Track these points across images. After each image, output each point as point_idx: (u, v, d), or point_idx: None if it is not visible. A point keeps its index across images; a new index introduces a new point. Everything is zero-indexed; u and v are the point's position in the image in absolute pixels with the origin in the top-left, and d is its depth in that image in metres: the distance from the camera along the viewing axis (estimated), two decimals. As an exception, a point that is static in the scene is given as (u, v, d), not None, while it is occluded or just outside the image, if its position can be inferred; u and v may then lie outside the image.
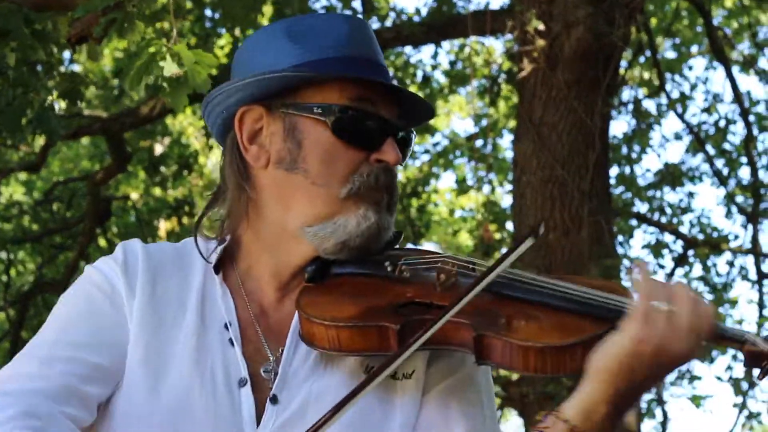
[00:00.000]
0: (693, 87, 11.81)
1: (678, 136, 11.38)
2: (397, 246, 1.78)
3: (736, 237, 11.06)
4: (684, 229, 11.18)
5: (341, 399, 1.53)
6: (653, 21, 10.12)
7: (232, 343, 1.69)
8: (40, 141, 9.09)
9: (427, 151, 13.22)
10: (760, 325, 10.09)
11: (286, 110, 1.70)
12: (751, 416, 10.20)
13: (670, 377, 11.01)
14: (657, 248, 11.08)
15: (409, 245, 7.97)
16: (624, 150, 11.15)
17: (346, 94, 1.68)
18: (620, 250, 10.14)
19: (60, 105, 9.21)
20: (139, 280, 1.71)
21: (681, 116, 10.57)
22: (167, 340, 1.68)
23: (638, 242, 18.83)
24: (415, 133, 1.81)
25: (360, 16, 10.19)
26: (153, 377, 1.64)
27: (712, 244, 10.69)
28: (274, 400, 1.64)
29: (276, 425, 1.62)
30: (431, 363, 1.70)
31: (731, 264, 11.22)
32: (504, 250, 1.49)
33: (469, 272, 1.67)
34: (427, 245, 12.72)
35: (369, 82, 1.70)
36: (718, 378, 9.92)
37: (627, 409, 1.51)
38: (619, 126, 25.62)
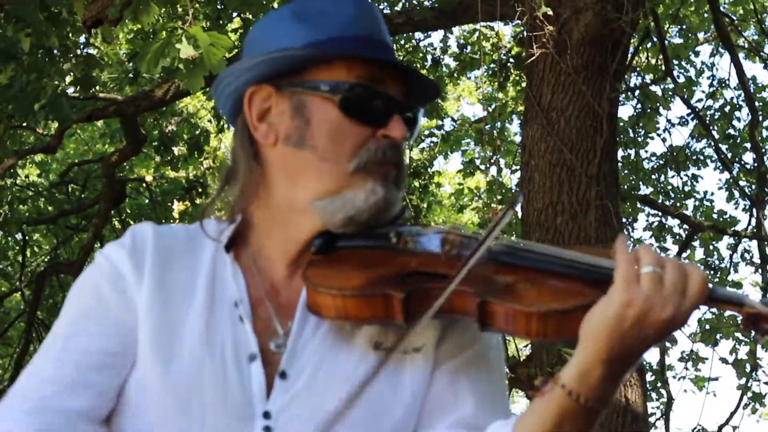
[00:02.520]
0: (699, 73, 11.89)
1: (683, 121, 11.44)
2: (402, 221, 1.79)
3: (738, 221, 11.14)
4: (687, 213, 11.25)
5: (360, 381, 1.56)
6: (660, 7, 10.18)
7: (242, 320, 1.69)
8: (55, 124, 9.20)
9: (432, 134, 13.30)
10: (764, 309, 10.14)
11: (294, 89, 1.72)
12: (755, 398, 10.29)
13: (674, 359, 11.11)
14: (659, 231, 11.15)
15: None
16: (630, 134, 11.21)
17: (354, 72, 1.70)
18: (624, 233, 10.17)
19: (75, 87, 9.33)
20: (147, 263, 1.73)
21: (687, 101, 10.62)
22: (177, 321, 1.68)
23: (642, 225, 18.91)
24: (422, 111, 1.83)
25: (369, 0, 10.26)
26: (163, 358, 1.65)
27: (719, 228, 10.76)
28: (283, 375, 1.65)
29: (285, 399, 1.63)
30: (442, 339, 1.72)
31: (734, 248, 11.31)
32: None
33: (472, 243, 1.66)
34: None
35: (376, 61, 1.72)
36: (723, 360, 10.01)
37: (624, 371, 1.49)
38: (626, 111, 25.64)
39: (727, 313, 10.02)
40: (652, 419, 9.66)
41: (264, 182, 1.76)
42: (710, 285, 1.49)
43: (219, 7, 9.57)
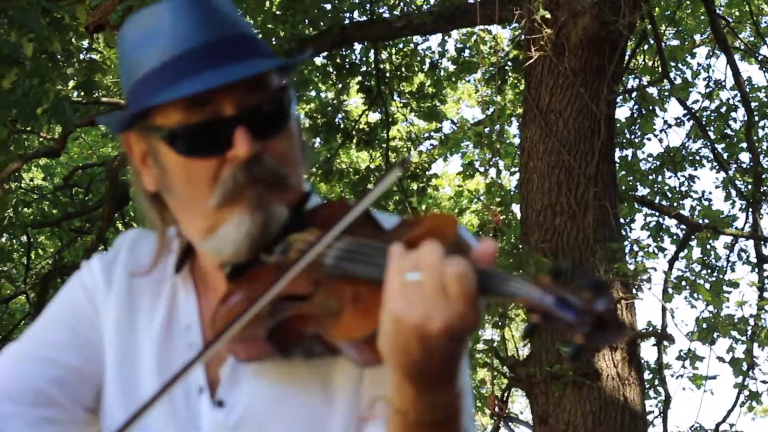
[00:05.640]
0: (695, 74, 11.98)
1: (680, 122, 11.53)
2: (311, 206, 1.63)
3: (735, 218, 11.22)
4: (684, 213, 11.33)
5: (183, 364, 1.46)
6: (657, 10, 10.27)
7: (192, 348, 1.62)
8: (59, 128, 9.27)
9: (430, 137, 13.37)
10: (760, 308, 10.25)
11: (145, 134, 1.58)
12: (752, 396, 10.36)
13: (671, 357, 11.17)
14: (657, 231, 11.24)
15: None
16: (626, 134, 11.29)
17: (180, 104, 1.51)
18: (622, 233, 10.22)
19: (79, 92, 9.41)
20: (117, 272, 1.68)
21: (683, 102, 10.70)
22: (137, 348, 1.64)
23: (639, 225, 18.95)
24: (290, 96, 1.61)
25: (368, 4, 10.35)
26: (124, 390, 1.62)
27: (716, 228, 10.84)
28: (221, 403, 1.58)
29: (226, 430, 1.56)
30: None
31: (731, 248, 11.39)
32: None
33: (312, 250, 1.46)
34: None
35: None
36: (720, 359, 10.09)
37: (440, 383, 1.34)
38: (623, 112, 25.70)
39: (724, 312, 10.13)
40: (650, 417, 9.74)
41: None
42: (483, 279, 1.29)
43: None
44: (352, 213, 1.43)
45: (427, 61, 11.66)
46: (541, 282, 1.23)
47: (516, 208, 9.79)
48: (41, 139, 10.77)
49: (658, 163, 11.56)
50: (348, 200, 1.61)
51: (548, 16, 6.93)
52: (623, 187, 10.62)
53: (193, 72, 1.50)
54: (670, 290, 9.24)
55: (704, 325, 10.06)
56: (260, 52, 1.57)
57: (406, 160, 1.42)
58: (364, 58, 11.05)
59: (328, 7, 9.60)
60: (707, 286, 10.37)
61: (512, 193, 10.34)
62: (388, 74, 11.25)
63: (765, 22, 11.92)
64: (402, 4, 10.75)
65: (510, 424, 11.92)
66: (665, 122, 11.37)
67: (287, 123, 1.59)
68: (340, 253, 1.45)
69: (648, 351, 25.67)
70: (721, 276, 11.14)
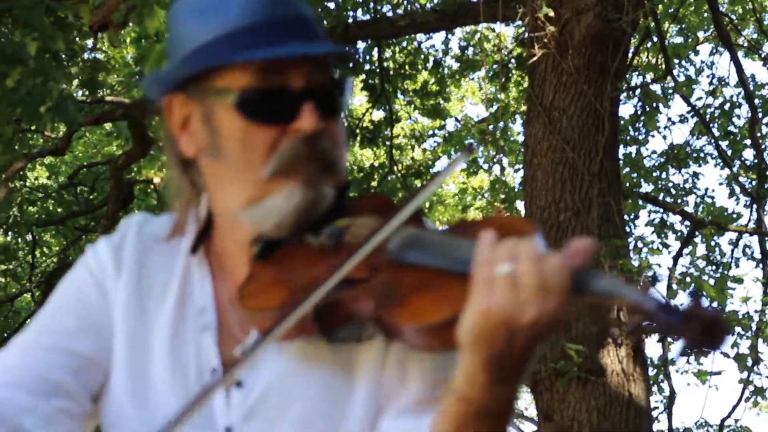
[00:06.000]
0: (699, 71, 11.99)
1: (684, 119, 11.55)
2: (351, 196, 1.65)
3: (740, 216, 11.25)
4: (688, 210, 11.36)
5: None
6: (660, 7, 10.28)
7: (206, 330, 1.60)
8: (63, 127, 9.30)
9: (433, 135, 13.41)
10: (765, 304, 10.27)
11: (200, 96, 1.57)
12: (756, 392, 10.38)
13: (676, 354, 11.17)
14: (661, 227, 11.27)
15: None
16: (630, 131, 11.32)
17: (251, 69, 1.53)
18: (626, 230, 10.24)
19: (83, 91, 9.45)
20: (126, 256, 1.66)
21: (687, 99, 10.72)
22: (149, 331, 1.61)
23: (644, 222, 18.99)
24: (348, 82, 1.63)
25: (372, 3, 10.37)
26: (133, 371, 1.60)
27: (720, 224, 10.87)
28: (239, 384, 1.56)
29: (244, 410, 1.55)
30: None
31: (735, 244, 11.42)
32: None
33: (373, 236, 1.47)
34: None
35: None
36: (724, 354, 10.12)
37: (514, 374, 1.37)
38: (627, 109, 25.69)
39: (728, 308, 10.15)
40: (655, 413, 9.76)
41: (206, 186, 1.65)
42: (581, 276, 1.31)
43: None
44: (418, 198, 1.45)
45: (431, 59, 11.69)
46: (643, 285, 1.26)
47: (520, 205, 9.81)
48: (46, 138, 10.79)
49: (662, 159, 11.59)
50: (386, 196, 1.62)
51: (551, 13, 6.94)
52: (627, 184, 10.62)
53: (263, 43, 1.52)
54: (674, 286, 9.25)
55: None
56: (323, 36, 1.60)
57: (472, 148, 1.47)
58: (367, 57, 11.07)
59: (332, 5, 9.62)
60: (711, 282, 10.40)
61: (516, 190, 10.35)
62: (391, 72, 11.29)
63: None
64: (405, 2, 10.76)
65: (515, 420, 11.97)
66: (669, 119, 11.45)
67: (343, 109, 1.62)
68: (405, 240, 1.47)
69: (653, 347, 25.69)
70: (725, 272, 11.18)
